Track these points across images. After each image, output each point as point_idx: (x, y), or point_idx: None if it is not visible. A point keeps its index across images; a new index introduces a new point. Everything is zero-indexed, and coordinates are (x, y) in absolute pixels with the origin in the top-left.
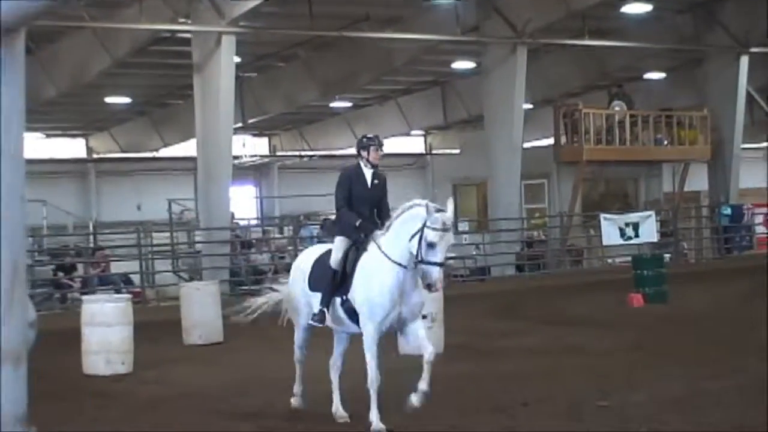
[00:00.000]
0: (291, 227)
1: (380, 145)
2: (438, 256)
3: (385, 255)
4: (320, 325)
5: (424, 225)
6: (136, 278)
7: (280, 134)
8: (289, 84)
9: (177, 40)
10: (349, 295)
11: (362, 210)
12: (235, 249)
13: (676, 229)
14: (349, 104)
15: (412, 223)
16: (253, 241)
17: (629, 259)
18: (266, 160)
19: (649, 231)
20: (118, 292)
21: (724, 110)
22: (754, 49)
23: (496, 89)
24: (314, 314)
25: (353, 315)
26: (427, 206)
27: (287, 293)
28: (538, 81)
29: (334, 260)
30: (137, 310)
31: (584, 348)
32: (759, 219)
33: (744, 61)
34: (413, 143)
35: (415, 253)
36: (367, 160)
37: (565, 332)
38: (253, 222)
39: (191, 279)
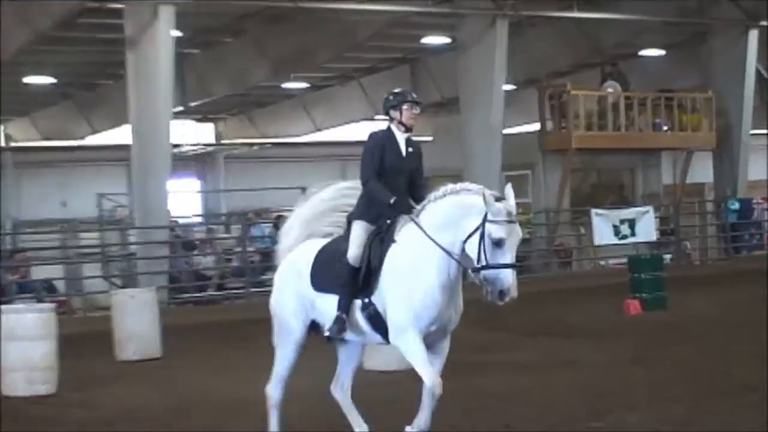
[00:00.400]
0: (239, 226)
1: (415, 102)
2: (508, 255)
3: (433, 240)
4: (338, 337)
5: (485, 220)
6: (60, 285)
7: (226, 119)
8: (236, 62)
9: (107, 12)
10: (374, 297)
11: (396, 185)
12: (175, 251)
13: (678, 226)
14: (305, 85)
15: (466, 217)
16: (196, 241)
17: (624, 260)
18: (210, 149)
19: (647, 229)
20: (40, 301)
21: (731, 92)
22: (764, 23)
23: (473, 68)
24: (332, 323)
25: (378, 322)
26: (483, 195)
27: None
28: (521, 58)
29: (354, 255)
30: (62, 321)
31: (575, 362)
32: None
33: (753, 36)
34: None
35: (476, 257)
36: (400, 122)
37: (553, 344)
38: (196, 220)
39: (125, 285)
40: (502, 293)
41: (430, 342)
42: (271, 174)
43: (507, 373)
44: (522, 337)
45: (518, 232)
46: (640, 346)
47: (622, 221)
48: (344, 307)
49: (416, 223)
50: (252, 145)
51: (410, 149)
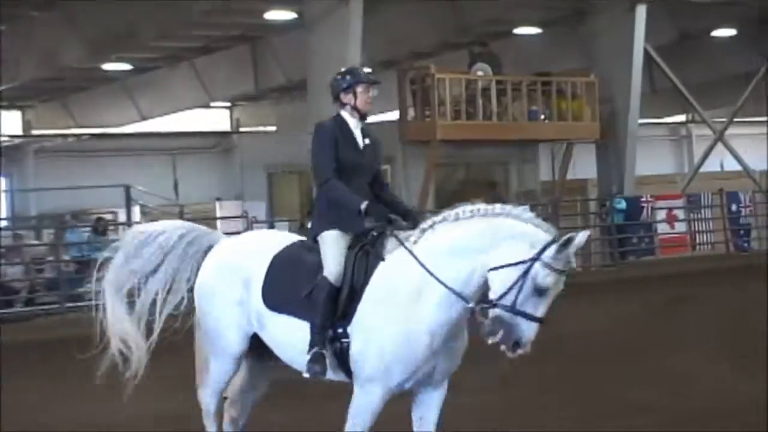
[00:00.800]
0: (52, 230)
1: (372, 82)
2: (542, 308)
3: (434, 276)
4: (322, 378)
5: (538, 257)
6: None
7: (36, 107)
8: (46, 40)
9: None
10: (350, 328)
11: (356, 184)
12: None
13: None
14: (128, 67)
15: (508, 245)
16: (1, 249)
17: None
18: (18, 141)
19: None
20: None
21: (617, 76)
22: None
23: (323, 48)
24: (310, 362)
25: (345, 358)
26: (554, 237)
27: (199, 311)
28: (379, 37)
29: (333, 272)
30: None
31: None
32: (662, 215)
33: (641, 12)
34: (215, 118)
35: (500, 291)
36: (354, 108)
37: None
38: (1, 224)
39: None
40: (517, 345)
41: (417, 388)
42: (90, 170)
43: None
44: None
45: (560, 286)
46: (519, 365)
47: None
48: (322, 341)
49: (408, 250)
50: (67, 136)
51: (367, 140)
